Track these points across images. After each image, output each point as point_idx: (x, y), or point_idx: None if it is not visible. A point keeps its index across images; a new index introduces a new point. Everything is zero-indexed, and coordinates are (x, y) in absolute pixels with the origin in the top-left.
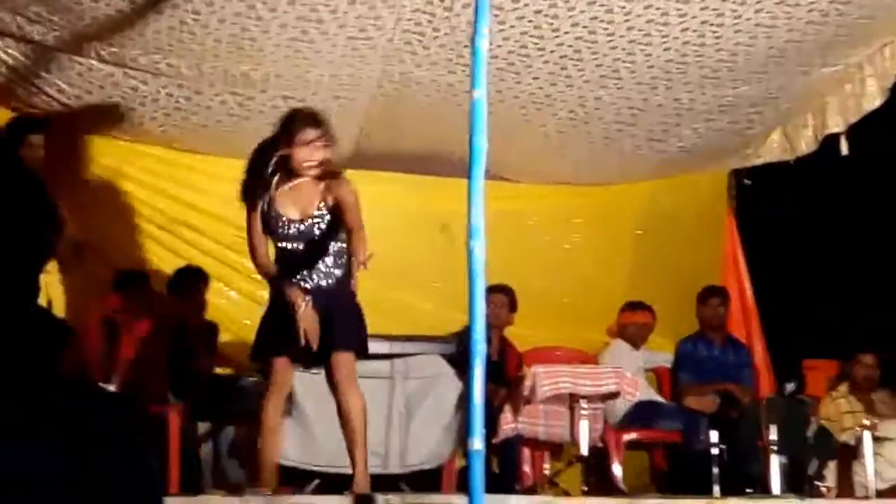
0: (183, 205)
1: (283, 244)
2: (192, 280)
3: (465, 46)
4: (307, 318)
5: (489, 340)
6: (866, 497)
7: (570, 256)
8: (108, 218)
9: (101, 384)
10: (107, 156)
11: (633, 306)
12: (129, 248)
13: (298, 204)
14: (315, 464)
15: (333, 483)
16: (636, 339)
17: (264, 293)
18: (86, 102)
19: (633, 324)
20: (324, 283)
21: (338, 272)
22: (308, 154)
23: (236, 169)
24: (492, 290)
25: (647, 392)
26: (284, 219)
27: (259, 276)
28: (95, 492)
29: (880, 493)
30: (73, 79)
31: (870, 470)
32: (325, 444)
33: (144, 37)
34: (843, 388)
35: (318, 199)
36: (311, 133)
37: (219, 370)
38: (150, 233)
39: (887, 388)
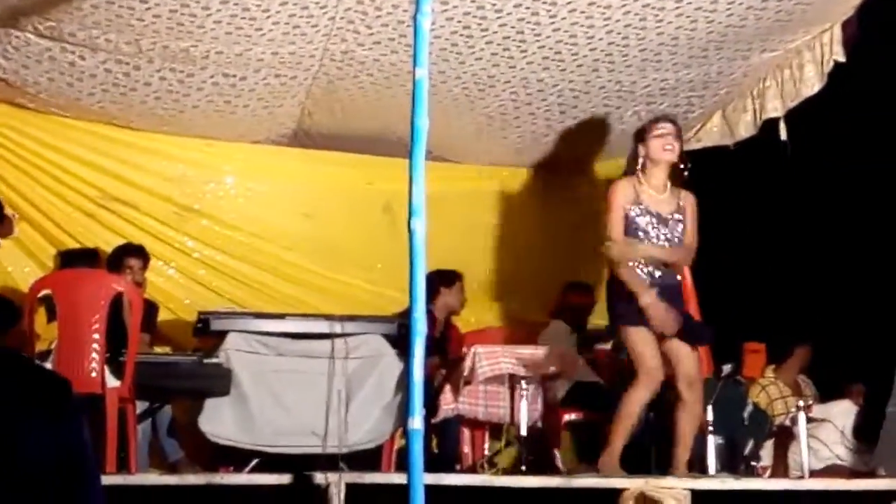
0: (122, 182)
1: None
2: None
3: (408, 26)
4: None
5: (435, 322)
6: (801, 477)
7: (512, 237)
8: (46, 195)
9: (37, 362)
10: (45, 131)
11: (571, 287)
12: (67, 225)
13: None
14: (255, 443)
15: (273, 462)
16: (575, 320)
17: (203, 272)
18: (22, 77)
19: (572, 305)
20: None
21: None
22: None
23: (176, 146)
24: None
25: (586, 373)
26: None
27: None
28: (21, 459)
29: (815, 473)
30: (10, 53)
31: (804, 450)
32: (265, 423)
33: (82, 11)
34: (770, 373)
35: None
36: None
37: (157, 349)
38: (89, 210)
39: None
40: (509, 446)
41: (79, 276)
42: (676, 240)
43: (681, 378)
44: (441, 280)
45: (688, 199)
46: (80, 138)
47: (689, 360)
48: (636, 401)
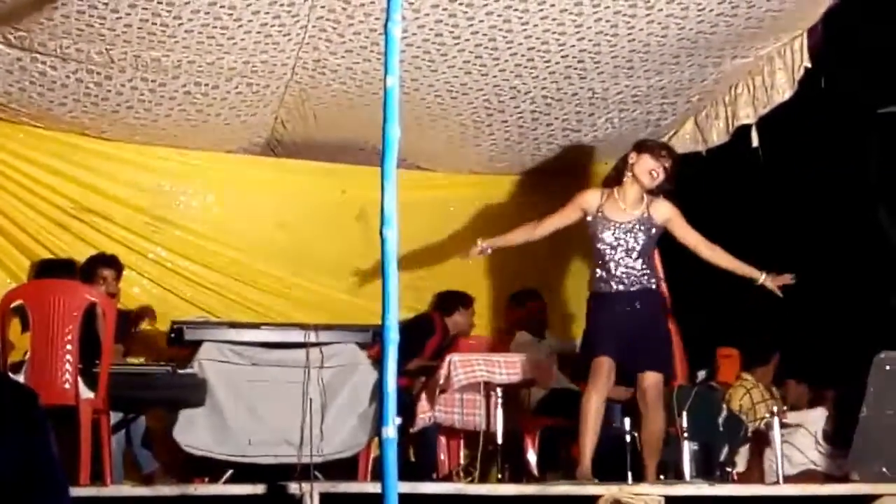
0: (94, 192)
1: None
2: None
3: (380, 34)
4: None
5: (447, 332)
6: (775, 482)
7: None
8: (18, 205)
9: (9, 374)
10: (16, 142)
11: (525, 297)
12: (39, 236)
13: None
14: (229, 453)
15: (247, 473)
16: (535, 328)
17: (176, 282)
18: None
19: (531, 313)
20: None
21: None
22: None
23: (148, 155)
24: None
25: (560, 380)
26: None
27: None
28: None
29: (789, 479)
30: None
31: (778, 456)
32: (240, 433)
33: (53, 20)
34: (751, 378)
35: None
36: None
37: (132, 360)
38: (61, 220)
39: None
40: (485, 454)
41: (52, 286)
42: (638, 247)
43: (639, 392)
44: (460, 300)
45: (663, 213)
46: (51, 148)
47: (647, 379)
48: (591, 401)
